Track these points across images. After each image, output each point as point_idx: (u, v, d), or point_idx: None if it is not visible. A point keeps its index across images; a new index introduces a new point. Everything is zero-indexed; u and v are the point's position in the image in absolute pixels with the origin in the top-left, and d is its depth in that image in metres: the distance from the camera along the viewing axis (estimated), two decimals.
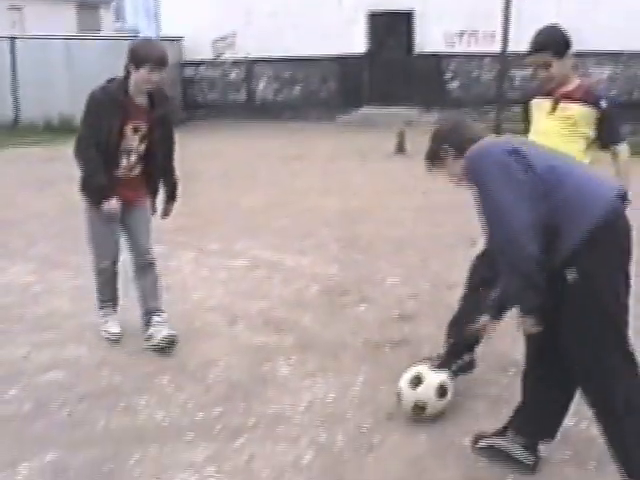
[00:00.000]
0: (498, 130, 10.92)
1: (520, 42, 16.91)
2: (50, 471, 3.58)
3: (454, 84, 19.03)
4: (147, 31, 28.67)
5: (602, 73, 17.75)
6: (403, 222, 8.54)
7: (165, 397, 4.35)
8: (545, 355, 3.34)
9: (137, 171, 4.94)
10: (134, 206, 5.01)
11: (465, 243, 7.36)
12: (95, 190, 4.84)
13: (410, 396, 3.93)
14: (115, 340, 5.16)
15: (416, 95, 18.93)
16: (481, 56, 18.18)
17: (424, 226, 8.34)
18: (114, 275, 5.25)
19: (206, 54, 20.80)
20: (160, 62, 4.66)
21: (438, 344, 4.70)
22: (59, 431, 3.96)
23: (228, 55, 21.23)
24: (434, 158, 3.41)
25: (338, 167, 12.62)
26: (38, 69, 19.01)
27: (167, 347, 4.95)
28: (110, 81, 4.85)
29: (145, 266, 5.11)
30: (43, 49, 19.10)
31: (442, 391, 3.95)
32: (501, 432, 3.60)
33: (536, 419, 3.49)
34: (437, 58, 18.66)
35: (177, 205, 5.23)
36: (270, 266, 6.89)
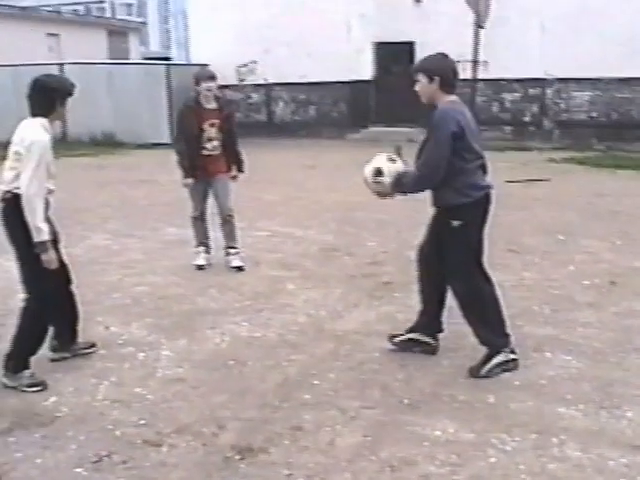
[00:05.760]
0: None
1: (509, 69, 19.67)
2: (149, 327, 6.21)
3: None
4: (178, 58, 31.54)
5: (583, 97, 20.38)
6: (388, 210, 11.11)
7: (214, 298, 6.98)
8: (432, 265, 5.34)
9: (218, 151, 7.74)
10: (219, 177, 7.84)
11: None
12: (182, 168, 7.74)
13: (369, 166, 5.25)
14: (198, 268, 7.96)
15: (417, 116, 21.55)
16: (474, 81, 20.80)
17: (404, 212, 10.89)
18: (203, 224, 8.06)
19: (230, 79, 23.45)
20: (209, 77, 7.60)
21: (393, 276, 7.36)
22: (153, 309, 6.60)
23: (250, 80, 24.05)
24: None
25: (344, 173, 15.20)
26: (83, 91, 21.53)
27: (237, 270, 7.86)
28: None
29: (226, 218, 7.99)
30: (88, 73, 21.71)
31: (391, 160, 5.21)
32: (412, 329, 5.51)
33: (433, 317, 5.42)
34: None
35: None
36: (284, 235, 9.52)
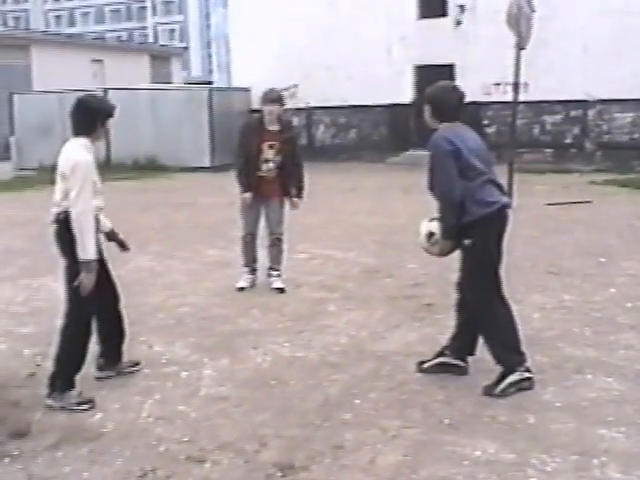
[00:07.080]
0: (511, 170, 13.25)
1: (550, 91, 19.61)
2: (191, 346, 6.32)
3: (491, 129, 21.66)
4: (219, 82, 31.86)
5: (625, 118, 20.28)
6: None
7: (256, 319, 7.07)
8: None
9: (274, 174, 7.80)
10: (271, 200, 7.92)
11: None
12: (239, 184, 7.83)
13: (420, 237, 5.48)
14: (239, 290, 7.99)
15: None
16: (515, 103, 20.80)
17: None
18: (252, 245, 8.10)
19: None
20: (271, 100, 7.71)
21: (435, 298, 7.40)
22: (196, 329, 6.71)
23: (291, 104, 24.24)
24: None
25: (384, 197, 15.33)
26: (126, 115, 21.99)
27: (278, 292, 7.92)
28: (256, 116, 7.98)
29: (274, 241, 8.05)
30: (131, 98, 22.08)
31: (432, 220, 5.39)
32: (440, 354, 5.57)
33: (464, 340, 5.49)
34: (476, 106, 21.28)
35: None
36: (324, 257, 9.60)
